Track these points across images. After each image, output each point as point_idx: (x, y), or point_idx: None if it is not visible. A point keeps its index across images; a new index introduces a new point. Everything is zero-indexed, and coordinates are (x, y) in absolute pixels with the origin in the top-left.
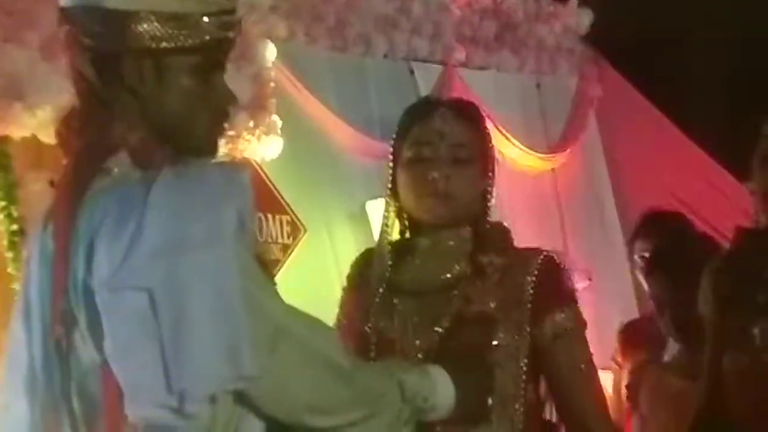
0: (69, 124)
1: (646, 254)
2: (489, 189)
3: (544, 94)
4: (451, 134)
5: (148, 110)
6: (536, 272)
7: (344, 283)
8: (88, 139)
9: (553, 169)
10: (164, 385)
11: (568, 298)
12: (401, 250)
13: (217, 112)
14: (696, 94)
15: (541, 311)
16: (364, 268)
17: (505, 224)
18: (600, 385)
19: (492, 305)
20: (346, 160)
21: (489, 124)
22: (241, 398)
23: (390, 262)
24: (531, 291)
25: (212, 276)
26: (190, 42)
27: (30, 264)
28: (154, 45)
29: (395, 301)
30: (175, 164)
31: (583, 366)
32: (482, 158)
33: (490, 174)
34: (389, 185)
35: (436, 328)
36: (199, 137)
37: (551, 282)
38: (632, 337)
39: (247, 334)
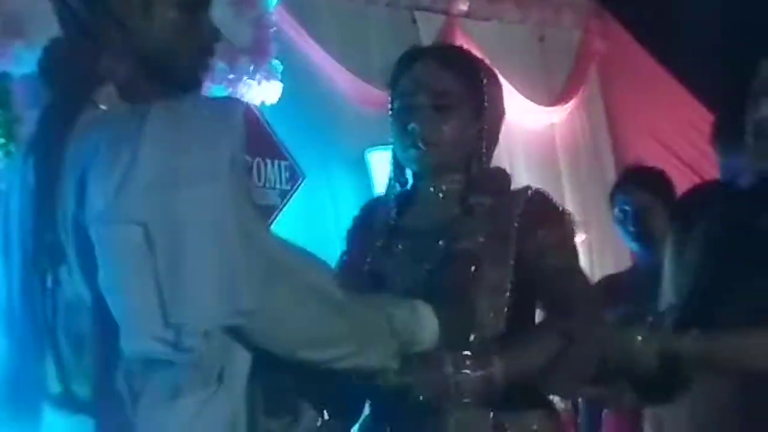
0: (54, 56)
1: (627, 207)
2: (482, 133)
3: (547, 47)
4: (431, 82)
5: (135, 43)
6: (524, 205)
7: (351, 223)
8: (74, 71)
9: (552, 122)
10: (160, 319)
11: (556, 220)
12: (405, 198)
13: (202, 47)
14: (701, 50)
15: (528, 234)
16: (371, 212)
17: (503, 169)
18: (586, 279)
19: (479, 241)
20: (347, 108)
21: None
22: (230, 329)
23: (394, 210)
24: (516, 223)
25: (208, 211)
26: None
27: (9, 197)
28: None
29: (394, 244)
30: (164, 98)
31: (570, 266)
32: (471, 103)
33: (484, 118)
34: (391, 136)
35: (424, 266)
36: (183, 71)
37: (538, 210)
38: (611, 291)
39: (243, 269)
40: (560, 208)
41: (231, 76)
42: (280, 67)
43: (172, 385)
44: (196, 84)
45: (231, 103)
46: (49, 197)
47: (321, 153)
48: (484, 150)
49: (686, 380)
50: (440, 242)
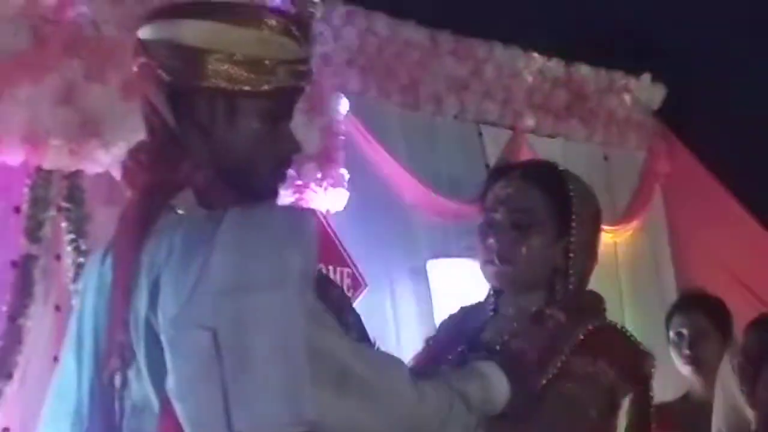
0: (137, 158)
1: (683, 330)
2: (569, 254)
3: (612, 166)
4: (511, 199)
5: (217, 150)
6: (589, 332)
7: (449, 317)
8: (156, 175)
9: (615, 242)
10: (225, 424)
11: (606, 358)
12: (493, 311)
13: (281, 158)
14: None
15: (574, 358)
16: (468, 315)
17: (598, 294)
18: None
19: (535, 348)
20: (412, 217)
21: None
22: None
23: (480, 322)
24: (575, 344)
25: (276, 318)
26: (265, 87)
27: (85, 296)
28: (230, 86)
29: (469, 357)
30: (240, 205)
31: (564, 402)
32: (554, 222)
33: (570, 237)
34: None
35: None
36: (262, 180)
37: (597, 340)
38: (662, 419)
39: (308, 377)
40: (618, 350)
41: (298, 182)
42: (347, 175)
43: None
44: (272, 193)
45: (305, 213)
46: (123, 298)
47: (384, 261)
48: (570, 270)
49: None
50: (506, 347)
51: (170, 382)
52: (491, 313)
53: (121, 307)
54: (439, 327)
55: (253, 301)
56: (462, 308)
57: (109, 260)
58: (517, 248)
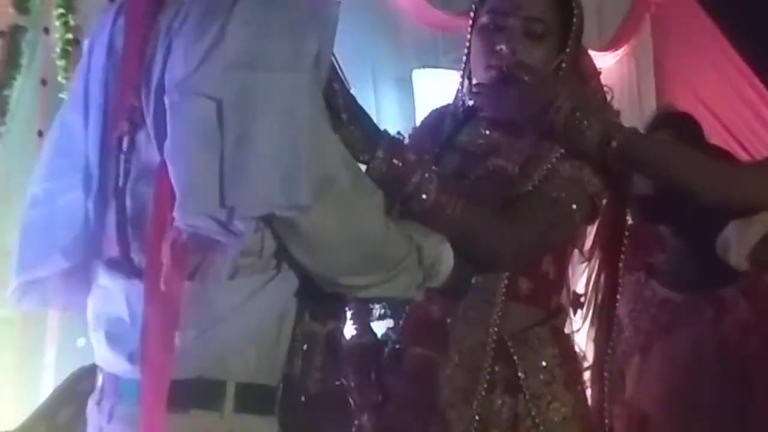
0: None
1: None
2: (563, 66)
3: None
4: (527, 6)
5: None
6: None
7: (422, 121)
8: None
9: (600, 67)
10: (217, 198)
11: (592, 165)
12: (469, 113)
13: None
14: (759, 16)
15: (557, 166)
16: (441, 117)
17: None
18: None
19: (517, 160)
20: (402, 24)
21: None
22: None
23: (455, 124)
24: (559, 153)
25: (283, 99)
26: None
27: (92, 55)
28: None
29: (443, 157)
30: None
31: (554, 198)
32: (559, 35)
33: (567, 51)
34: (466, 51)
35: (464, 181)
36: None
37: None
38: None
39: (308, 164)
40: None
41: None
42: None
43: (231, 265)
44: None
45: (327, 0)
46: (136, 62)
47: (370, 67)
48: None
49: None
50: (483, 159)
51: (168, 146)
52: (462, 116)
53: (133, 71)
54: (413, 131)
55: (263, 79)
56: (434, 111)
57: (120, 21)
58: (525, 57)
